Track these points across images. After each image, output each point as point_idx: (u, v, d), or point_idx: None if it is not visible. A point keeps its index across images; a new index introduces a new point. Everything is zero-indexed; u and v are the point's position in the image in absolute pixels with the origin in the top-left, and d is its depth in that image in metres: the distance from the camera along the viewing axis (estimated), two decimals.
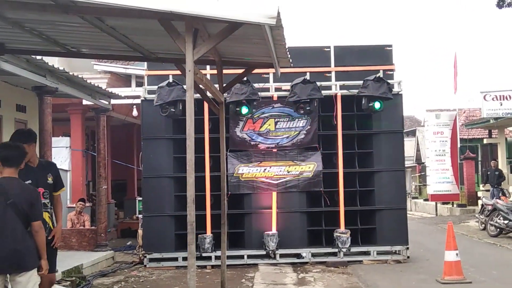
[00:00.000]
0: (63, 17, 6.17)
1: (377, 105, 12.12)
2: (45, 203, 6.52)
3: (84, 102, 13.88)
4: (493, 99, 20.25)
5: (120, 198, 19.54)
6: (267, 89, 12.68)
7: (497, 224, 16.35)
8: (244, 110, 12.10)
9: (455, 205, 25.81)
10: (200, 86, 7.82)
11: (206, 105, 11.84)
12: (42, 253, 5.74)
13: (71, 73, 10.59)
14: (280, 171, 12.53)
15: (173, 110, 11.84)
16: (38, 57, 9.19)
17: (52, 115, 10.76)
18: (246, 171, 12.51)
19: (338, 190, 12.48)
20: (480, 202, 21.17)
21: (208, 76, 11.44)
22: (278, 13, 5.26)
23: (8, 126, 11.27)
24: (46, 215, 6.50)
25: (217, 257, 11.64)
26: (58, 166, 14.72)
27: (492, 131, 27.04)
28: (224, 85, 8.70)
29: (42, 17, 6.31)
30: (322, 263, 12.19)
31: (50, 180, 6.66)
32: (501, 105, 20.11)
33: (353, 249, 12.34)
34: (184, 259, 11.45)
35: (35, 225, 5.64)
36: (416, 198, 34.92)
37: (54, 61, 10.49)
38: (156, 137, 12.58)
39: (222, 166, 8.80)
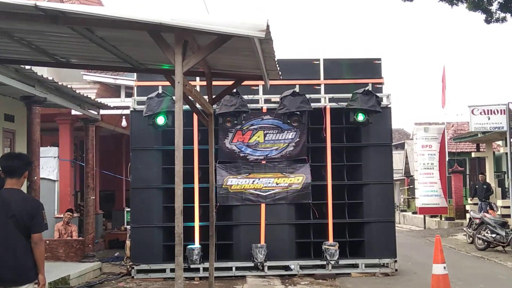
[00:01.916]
0: (52, 28, 6.18)
1: (360, 117, 12.19)
2: None
3: (73, 112, 13.84)
4: (481, 113, 20.33)
5: (108, 209, 19.42)
6: (257, 101, 12.71)
7: (484, 238, 16.41)
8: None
9: (443, 219, 25.89)
10: (190, 97, 7.83)
11: (195, 117, 11.84)
12: (41, 266, 5.61)
13: (60, 83, 10.57)
14: (269, 183, 12.54)
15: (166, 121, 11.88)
16: (27, 67, 9.17)
17: (41, 125, 10.73)
18: (235, 182, 12.51)
19: (327, 202, 12.50)
20: (468, 215, 21.26)
21: (198, 88, 11.46)
22: (268, 26, 5.29)
23: None
24: None
25: (205, 269, 11.58)
26: (46, 176, 14.71)
27: (480, 145, 27.18)
28: (214, 96, 8.73)
29: (31, 27, 6.31)
30: (311, 276, 12.17)
31: None
32: (489, 119, 20.19)
33: (342, 262, 12.34)
34: (172, 270, 11.39)
35: (35, 237, 5.51)
36: (405, 211, 34.99)
37: (43, 71, 10.47)
38: (145, 148, 12.56)
39: (211, 177, 8.79)
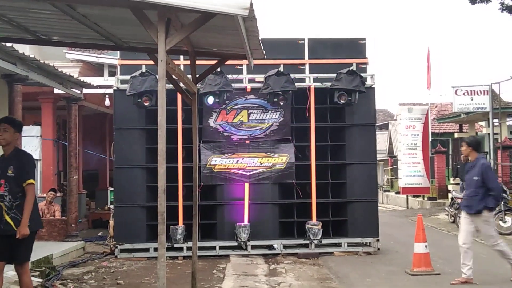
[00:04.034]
0: (34, 4, 6.08)
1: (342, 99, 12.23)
2: (2, 195, 6.59)
3: (56, 91, 13.72)
4: (464, 94, 20.50)
5: (92, 188, 19.40)
6: (241, 81, 12.66)
7: None
8: (210, 100, 12.07)
9: (425, 198, 26.13)
10: (173, 76, 7.78)
11: (179, 96, 11.78)
12: None
13: (42, 61, 10.44)
14: (253, 162, 12.55)
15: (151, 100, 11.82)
16: (8, 44, 9.03)
17: (23, 104, 10.62)
18: (219, 162, 12.50)
19: (310, 182, 12.55)
20: (450, 195, 21.47)
21: (182, 67, 11.38)
22: (251, 4, 5.24)
23: None
24: (2, 207, 6.59)
25: (189, 248, 11.62)
26: None
27: (463, 125, 27.43)
28: (198, 75, 8.67)
29: (12, 3, 6.20)
30: (294, 255, 12.25)
31: (10, 172, 6.62)
32: (472, 100, 20.37)
33: (325, 241, 12.43)
34: (156, 250, 11.30)
35: None
36: (388, 191, 35.27)
37: (25, 49, 10.33)
38: (129, 127, 12.49)
39: (194, 157, 8.77)
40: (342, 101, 12.25)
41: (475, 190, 9.19)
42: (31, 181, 6.69)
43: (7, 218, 6.56)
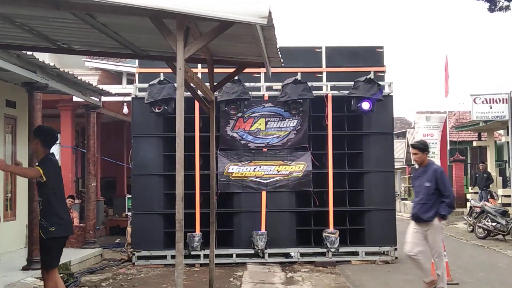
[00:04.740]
0: (54, 13, 6.15)
1: (365, 105, 12.16)
2: (38, 200, 7.02)
3: (75, 98, 13.83)
4: (482, 102, 20.30)
5: (110, 196, 19.49)
6: (258, 89, 12.69)
7: (485, 226, 16.45)
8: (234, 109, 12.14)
9: None
10: (191, 84, 7.82)
11: (197, 104, 11.83)
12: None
13: (61, 69, 10.55)
14: (270, 170, 12.54)
15: (164, 108, 11.87)
16: (29, 53, 9.15)
17: (42, 111, 10.71)
18: (236, 170, 12.52)
19: (328, 190, 12.51)
20: (468, 204, 21.28)
21: (200, 75, 11.44)
22: (270, 13, 5.27)
23: None
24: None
25: (206, 256, 11.61)
26: None
27: (482, 134, 27.16)
28: (215, 84, 8.71)
29: (33, 12, 6.28)
30: (311, 263, 12.22)
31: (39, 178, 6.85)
32: (491, 108, 20.16)
33: (342, 249, 12.37)
34: (173, 257, 11.43)
35: None
36: (406, 199, 35.00)
37: (44, 57, 10.45)
38: (146, 135, 12.56)
39: (212, 164, 8.80)
40: (366, 109, 12.16)
41: (426, 197, 8.49)
42: (37, 167, 6.84)
43: (43, 225, 6.82)
